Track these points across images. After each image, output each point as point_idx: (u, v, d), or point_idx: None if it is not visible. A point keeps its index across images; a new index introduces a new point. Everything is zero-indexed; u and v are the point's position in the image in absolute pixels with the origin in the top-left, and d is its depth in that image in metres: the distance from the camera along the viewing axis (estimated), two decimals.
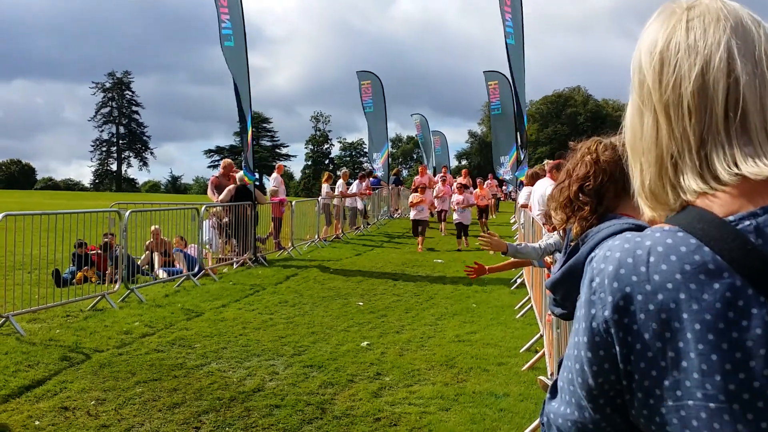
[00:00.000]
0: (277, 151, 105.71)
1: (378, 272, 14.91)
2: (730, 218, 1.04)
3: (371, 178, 27.68)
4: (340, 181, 24.16)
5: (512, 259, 6.61)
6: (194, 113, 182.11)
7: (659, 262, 1.04)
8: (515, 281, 12.86)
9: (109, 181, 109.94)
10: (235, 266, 15.08)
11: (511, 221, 26.93)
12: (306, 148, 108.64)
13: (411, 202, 20.65)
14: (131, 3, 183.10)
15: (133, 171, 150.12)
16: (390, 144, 35.74)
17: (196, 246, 13.78)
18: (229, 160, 16.87)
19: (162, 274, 13.24)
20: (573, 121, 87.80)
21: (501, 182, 37.27)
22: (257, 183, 17.34)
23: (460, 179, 26.17)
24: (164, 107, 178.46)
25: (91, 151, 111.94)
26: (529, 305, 10.12)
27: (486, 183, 29.62)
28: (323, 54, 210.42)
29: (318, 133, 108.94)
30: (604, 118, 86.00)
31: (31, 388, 6.49)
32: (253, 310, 10.42)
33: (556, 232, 4.98)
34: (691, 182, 1.10)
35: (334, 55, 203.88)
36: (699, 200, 1.09)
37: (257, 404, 6.17)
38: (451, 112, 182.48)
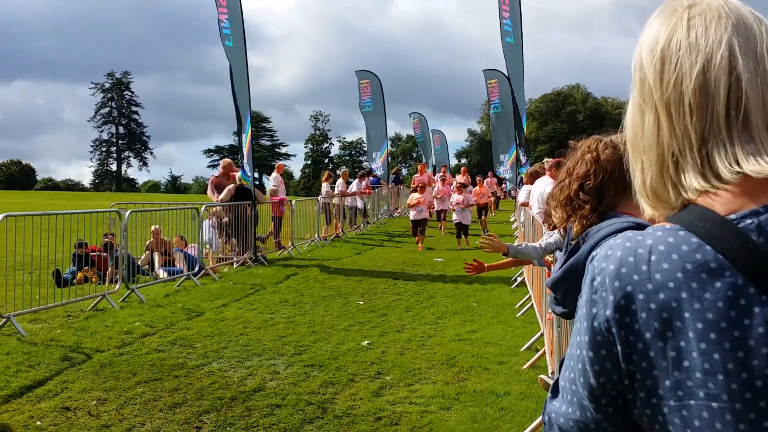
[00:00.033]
0: (277, 150, 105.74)
1: (378, 271, 14.90)
2: (732, 217, 1.04)
3: (371, 177, 27.67)
4: (340, 180, 24.16)
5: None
6: (194, 113, 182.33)
7: (661, 261, 1.03)
8: (515, 280, 12.85)
9: (108, 181, 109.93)
10: (235, 266, 15.08)
11: (511, 220, 26.93)
12: (305, 147, 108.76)
13: (409, 203, 20.63)
14: (131, 3, 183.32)
15: (133, 171, 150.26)
16: (389, 143, 35.71)
17: (196, 246, 13.78)
18: (228, 160, 16.86)
19: (162, 273, 13.24)
20: (572, 119, 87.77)
21: (501, 180, 37.29)
22: (257, 183, 17.35)
23: (460, 177, 26.16)
24: (164, 107, 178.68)
25: (90, 152, 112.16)
26: (530, 304, 10.12)
27: (486, 181, 29.58)
28: (322, 53, 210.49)
29: (317, 132, 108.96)
30: (604, 116, 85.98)
31: (32, 389, 6.50)
32: (253, 309, 10.42)
33: (556, 231, 4.98)
34: (692, 181, 1.09)
35: (333, 55, 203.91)
36: (700, 199, 1.09)
37: (258, 404, 6.17)
38: (451, 110, 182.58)
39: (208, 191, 16.36)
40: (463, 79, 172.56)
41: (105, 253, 12.95)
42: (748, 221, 1.02)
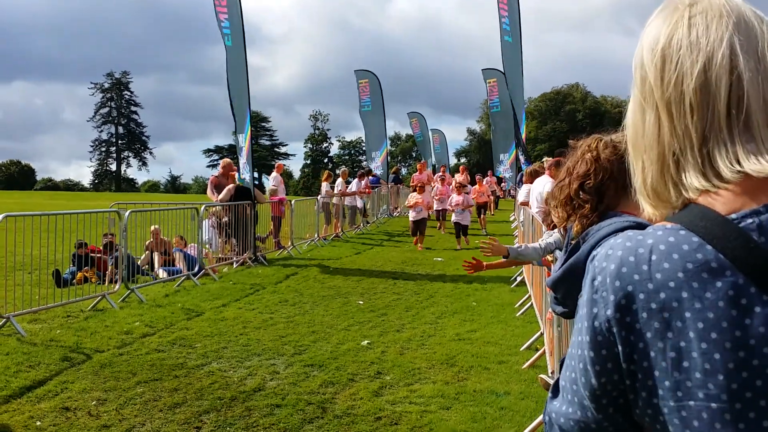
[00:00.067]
0: (276, 150, 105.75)
1: (378, 271, 14.91)
2: (733, 216, 1.04)
3: (370, 177, 27.66)
4: (339, 180, 24.16)
5: None
6: (193, 113, 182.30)
7: (661, 261, 1.03)
8: (515, 279, 12.86)
9: (108, 181, 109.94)
10: (235, 266, 15.08)
11: (511, 219, 26.92)
12: (305, 147, 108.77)
13: (408, 203, 20.61)
14: (131, 3, 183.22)
15: (133, 171, 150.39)
16: (389, 142, 35.75)
17: (195, 246, 13.78)
18: (228, 160, 16.85)
19: (162, 273, 13.24)
20: (572, 118, 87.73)
21: (500, 180, 37.29)
22: (256, 182, 17.34)
23: (459, 176, 26.12)
24: (163, 107, 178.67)
25: (90, 152, 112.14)
26: (530, 303, 10.12)
27: (485, 180, 29.56)
28: (321, 53, 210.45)
29: (317, 131, 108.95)
30: (603, 115, 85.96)
31: (32, 389, 6.49)
32: (253, 309, 10.42)
33: (556, 230, 4.98)
34: (693, 180, 1.09)
35: (332, 54, 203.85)
36: (701, 198, 1.08)
37: (258, 404, 6.17)
38: (450, 110, 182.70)
39: (208, 191, 16.36)
40: (463, 79, 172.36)
41: (105, 255, 12.95)
42: (749, 221, 1.02)
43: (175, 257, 13.76)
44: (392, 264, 16.09)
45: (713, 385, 0.98)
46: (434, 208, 23.36)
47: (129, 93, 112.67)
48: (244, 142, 16.45)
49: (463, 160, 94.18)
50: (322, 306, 10.79)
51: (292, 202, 19.38)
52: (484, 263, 6.48)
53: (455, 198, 19.88)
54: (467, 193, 21.05)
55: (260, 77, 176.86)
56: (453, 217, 20.06)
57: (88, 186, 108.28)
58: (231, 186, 15.53)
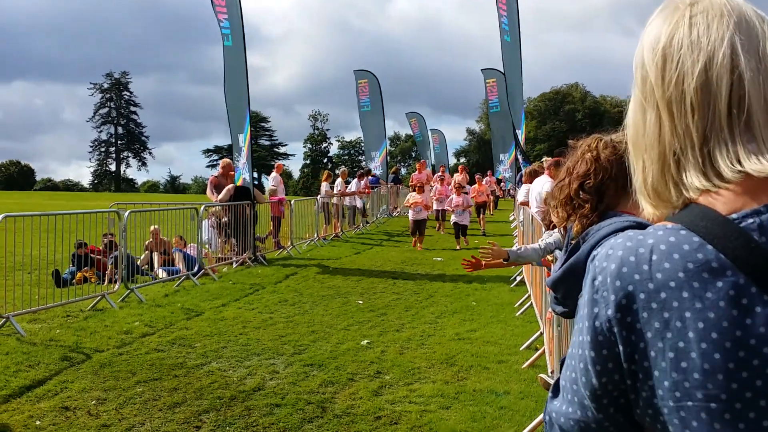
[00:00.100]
0: (276, 150, 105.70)
1: (377, 271, 14.91)
2: (734, 216, 1.03)
3: (370, 177, 27.66)
4: (339, 180, 24.16)
5: None
6: (193, 113, 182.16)
7: (662, 261, 1.03)
8: (515, 279, 12.85)
9: (108, 181, 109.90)
10: (234, 265, 15.08)
11: (510, 219, 26.91)
12: (304, 147, 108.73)
13: (407, 202, 20.59)
14: (131, 3, 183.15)
15: (132, 171, 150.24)
16: (388, 142, 35.78)
17: (195, 245, 13.77)
18: (228, 160, 16.84)
19: (162, 273, 13.23)
20: (571, 118, 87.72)
21: (500, 180, 37.27)
22: (256, 182, 17.33)
23: (458, 176, 26.11)
24: (163, 107, 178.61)
25: (89, 152, 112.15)
26: (529, 303, 10.12)
27: (485, 180, 29.54)
28: (321, 53, 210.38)
29: (316, 131, 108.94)
30: (602, 115, 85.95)
31: (31, 388, 6.49)
32: (252, 309, 10.42)
33: (556, 230, 4.98)
34: (693, 179, 1.09)
35: (331, 54, 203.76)
36: (702, 198, 1.08)
37: (258, 403, 6.17)
38: (449, 110, 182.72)
39: (208, 191, 16.35)
40: (462, 79, 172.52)
41: (105, 255, 12.96)
42: (750, 220, 1.02)
43: (174, 257, 13.76)
44: (392, 264, 16.09)
45: (713, 385, 0.97)
46: (433, 208, 23.33)
47: (128, 93, 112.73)
48: (244, 142, 16.44)
49: (462, 160, 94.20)
50: (322, 306, 10.80)
51: (292, 202, 19.38)
52: (483, 262, 6.48)
53: (455, 199, 19.85)
54: (466, 193, 21.02)
55: (260, 77, 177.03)
56: (452, 218, 20.04)
57: (87, 186, 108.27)
58: (230, 186, 15.53)
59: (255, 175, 17.75)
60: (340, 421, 5.81)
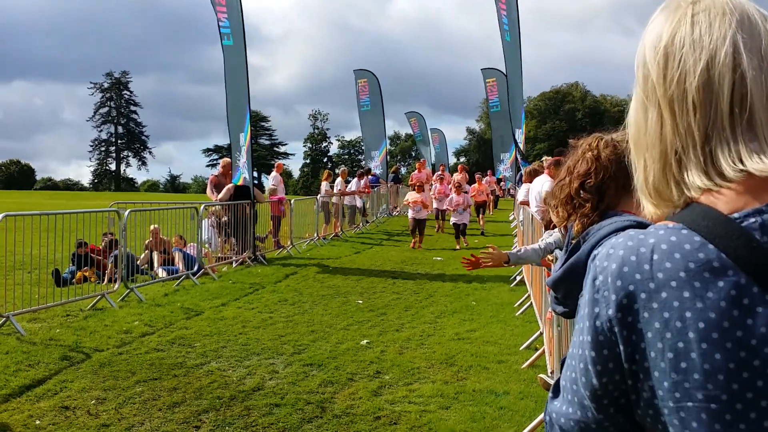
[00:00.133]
0: (276, 149, 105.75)
1: (377, 270, 14.91)
2: (735, 215, 1.03)
3: (370, 176, 27.66)
4: (339, 179, 24.17)
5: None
6: (193, 113, 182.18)
7: (663, 260, 1.02)
8: (514, 279, 12.85)
9: (108, 180, 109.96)
10: (234, 265, 15.08)
11: (510, 218, 26.92)
12: (304, 146, 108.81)
13: (406, 201, 20.57)
14: (130, 3, 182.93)
15: (132, 170, 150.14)
16: (388, 141, 35.80)
17: (195, 245, 13.77)
18: (228, 159, 16.84)
19: (161, 273, 13.23)
20: (571, 117, 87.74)
21: (500, 179, 37.27)
22: (256, 182, 17.33)
23: (457, 175, 26.12)
24: (163, 107, 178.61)
25: (89, 151, 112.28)
26: (529, 303, 10.12)
27: (485, 179, 29.54)
28: (321, 52, 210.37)
29: (316, 131, 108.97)
30: (602, 114, 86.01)
31: (31, 388, 6.49)
32: (252, 308, 10.42)
33: (556, 230, 4.97)
34: (695, 179, 1.09)
35: (331, 54, 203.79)
36: (703, 197, 1.08)
37: (257, 403, 6.17)
38: (449, 109, 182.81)
39: (208, 190, 16.36)
40: (462, 78, 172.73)
41: (104, 254, 12.96)
42: (752, 220, 1.01)
43: (174, 257, 13.75)
44: (391, 263, 16.10)
45: (713, 386, 0.97)
46: (433, 207, 23.32)
47: (128, 93, 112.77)
48: (244, 141, 16.43)
49: (462, 159, 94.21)
50: (322, 305, 10.79)
51: (292, 201, 19.37)
52: (482, 265, 6.47)
53: (455, 198, 19.85)
54: (465, 193, 21.03)
55: (259, 77, 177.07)
56: (452, 219, 20.03)
57: (87, 186, 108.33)
58: (230, 185, 15.54)
59: (255, 174, 17.73)
60: (340, 421, 5.80)
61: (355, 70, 34.13)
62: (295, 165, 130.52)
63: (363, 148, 41.35)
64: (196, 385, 6.63)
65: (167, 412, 5.91)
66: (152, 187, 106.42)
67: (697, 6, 1.12)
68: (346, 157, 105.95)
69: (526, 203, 12.38)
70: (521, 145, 22.77)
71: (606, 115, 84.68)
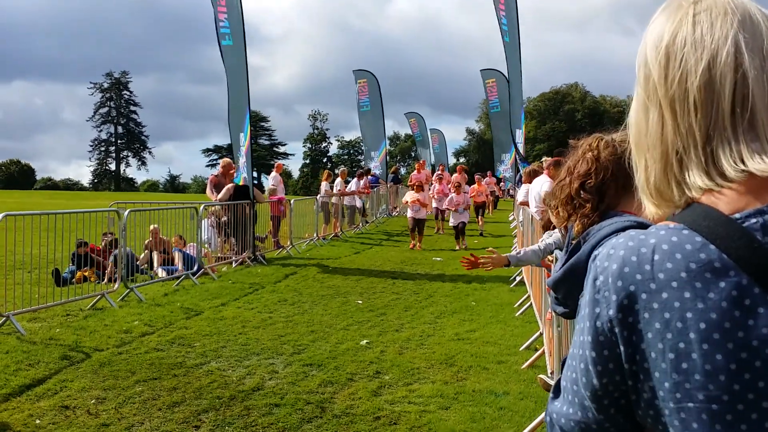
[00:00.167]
0: (276, 149, 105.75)
1: (377, 270, 14.91)
2: (737, 216, 1.03)
3: (369, 176, 27.66)
4: (339, 180, 24.16)
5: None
6: (192, 113, 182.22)
7: (664, 260, 1.02)
8: (514, 279, 12.85)
9: (107, 180, 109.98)
10: (234, 265, 15.08)
11: (510, 219, 26.92)
12: (304, 146, 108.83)
13: (405, 200, 20.55)
14: (130, 3, 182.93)
15: (132, 170, 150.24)
16: (388, 142, 35.81)
17: (195, 245, 13.77)
18: (228, 159, 16.84)
19: (161, 273, 13.23)
20: (571, 117, 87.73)
21: (499, 180, 37.30)
22: (255, 182, 17.33)
23: (456, 176, 26.13)
24: (163, 107, 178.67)
25: (89, 151, 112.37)
26: (529, 303, 10.12)
27: (484, 180, 29.53)
28: (320, 53, 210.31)
29: (316, 131, 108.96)
30: (602, 115, 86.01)
31: (31, 387, 6.49)
32: (252, 308, 10.41)
33: (556, 230, 4.97)
34: (696, 179, 1.08)
35: (331, 54, 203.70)
36: (704, 197, 1.08)
37: (257, 403, 6.17)
38: (449, 109, 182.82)
39: (207, 190, 16.35)
40: (462, 79, 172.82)
41: (104, 254, 12.97)
42: (753, 220, 1.01)
43: (174, 257, 13.75)
44: (391, 263, 16.09)
45: (714, 387, 0.97)
46: (432, 206, 23.30)
47: (128, 93, 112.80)
48: (244, 141, 16.44)
49: (462, 159, 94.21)
50: (321, 305, 10.79)
51: (291, 201, 19.36)
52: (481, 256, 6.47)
53: (455, 198, 19.84)
54: (465, 192, 21.03)
55: (259, 77, 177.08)
56: (451, 221, 20.02)
57: (87, 185, 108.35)
58: (230, 185, 15.52)
59: (255, 174, 17.74)
60: (339, 421, 5.80)
61: (355, 70, 34.14)
62: (294, 165, 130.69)
63: (362, 148, 41.36)
64: (195, 385, 6.63)
65: (167, 412, 5.91)
66: (152, 187, 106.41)
67: (699, 6, 1.11)
68: (346, 157, 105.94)
69: (525, 204, 12.38)
70: (521, 146, 22.77)
71: (606, 115, 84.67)
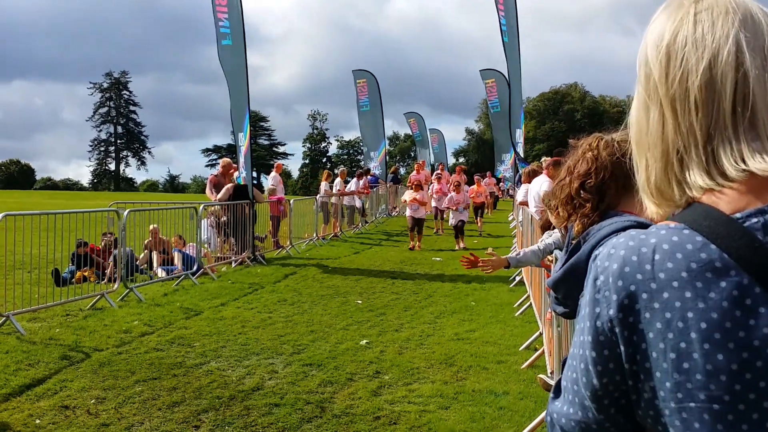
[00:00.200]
0: (275, 149, 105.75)
1: (376, 270, 14.90)
2: (737, 215, 1.02)
3: (369, 176, 27.65)
4: (338, 180, 24.16)
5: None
6: (192, 112, 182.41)
7: (665, 260, 1.02)
8: (514, 279, 12.85)
9: (107, 180, 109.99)
10: (233, 265, 15.08)
11: (509, 219, 26.92)
12: (303, 146, 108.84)
13: (404, 199, 20.55)
14: (130, 3, 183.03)
15: (132, 170, 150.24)
16: (387, 142, 35.81)
17: (194, 245, 13.77)
18: (228, 159, 16.86)
19: (161, 273, 13.23)
20: (570, 117, 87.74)
21: (499, 180, 37.31)
22: (255, 182, 17.32)
23: (454, 176, 26.14)
24: (162, 106, 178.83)
25: (89, 151, 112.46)
26: (528, 303, 10.12)
27: (484, 181, 29.52)
28: (320, 52, 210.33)
29: (315, 131, 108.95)
30: (602, 115, 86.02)
31: (31, 387, 6.49)
32: (251, 308, 10.41)
33: (556, 230, 4.97)
34: (697, 178, 1.08)
35: (330, 54, 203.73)
36: (705, 197, 1.07)
37: (256, 403, 6.17)
38: (449, 109, 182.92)
39: (207, 190, 16.35)
40: (461, 79, 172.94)
41: (104, 254, 12.97)
42: (754, 220, 1.01)
43: (174, 257, 13.75)
44: (391, 263, 16.09)
45: (716, 387, 0.97)
46: (432, 206, 23.30)
47: (128, 93, 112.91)
48: (244, 140, 16.45)
49: (461, 159, 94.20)
50: (321, 305, 10.79)
51: (291, 201, 19.36)
52: (481, 259, 6.48)
53: (455, 196, 19.84)
54: (465, 191, 21.04)
55: (258, 77, 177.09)
56: (450, 220, 20.02)
57: (87, 185, 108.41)
58: (230, 185, 15.53)
59: (254, 174, 17.74)
60: (339, 421, 5.80)
61: (354, 70, 34.12)
62: (294, 165, 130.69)
63: (362, 148, 41.41)
64: (195, 385, 6.63)
65: (167, 412, 5.91)
66: (151, 187, 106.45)
67: (700, 5, 1.11)
68: (345, 157, 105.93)
69: (525, 204, 12.38)
70: (520, 146, 22.76)
71: (605, 115, 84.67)
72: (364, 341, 8.43)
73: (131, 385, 6.61)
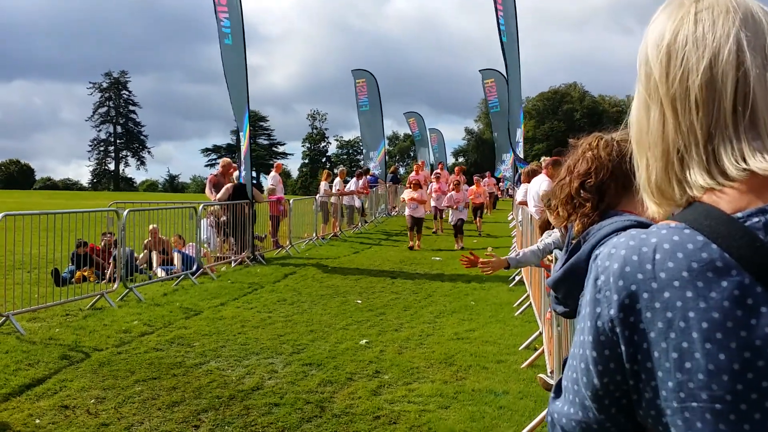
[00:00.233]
0: (275, 149, 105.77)
1: (376, 270, 14.90)
2: (738, 215, 1.02)
3: (368, 176, 27.65)
4: (337, 179, 24.17)
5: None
6: (191, 112, 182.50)
7: (666, 260, 1.02)
8: (513, 278, 12.85)
9: (107, 180, 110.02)
10: (233, 265, 15.07)
11: (509, 219, 26.92)
12: (303, 146, 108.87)
13: (403, 199, 20.55)
14: (130, 3, 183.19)
15: (131, 170, 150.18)
16: (387, 141, 35.81)
17: (194, 245, 13.76)
18: (227, 159, 16.87)
19: (160, 272, 13.23)
20: (569, 117, 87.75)
21: (499, 180, 37.31)
22: (254, 182, 17.32)
23: (454, 176, 26.15)
24: (162, 106, 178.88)
25: (89, 151, 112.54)
26: (528, 302, 10.12)
27: (483, 181, 29.52)
28: (319, 52, 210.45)
29: (315, 131, 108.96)
30: (601, 115, 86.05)
31: (31, 387, 6.49)
32: (251, 308, 10.41)
33: (556, 230, 4.97)
34: (697, 177, 1.08)
35: (330, 54, 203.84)
36: (706, 196, 1.07)
37: (256, 402, 6.17)
38: (448, 109, 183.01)
39: (207, 190, 16.36)
40: (461, 78, 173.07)
41: (104, 254, 12.97)
42: (755, 219, 1.01)
43: (173, 257, 13.75)
44: (390, 263, 16.09)
45: (718, 386, 0.96)
46: (431, 205, 23.29)
47: (127, 92, 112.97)
48: (243, 140, 16.46)
49: (461, 159, 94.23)
50: (321, 305, 10.79)
51: (291, 201, 19.36)
52: (481, 259, 6.48)
53: (455, 195, 19.85)
54: (464, 190, 21.06)
55: (258, 76, 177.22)
56: (450, 219, 20.02)
57: (86, 185, 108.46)
58: (229, 185, 15.53)
59: (254, 174, 17.75)
60: (339, 420, 5.80)
61: (354, 70, 34.12)
62: (293, 165, 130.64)
63: (361, 148, 41.41)
64: (195, 385, 6.63)
65: (166, 412, 5.91)
66: (151, 186, 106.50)
67: (701, 4, 1.11)
68: (345, 157, 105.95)
69: (524, 203, 12.38)
70: (520, 146, 22.75)
71: (604, 115, 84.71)
72: (364, 341, 8.43)
73: (131, 384, 6.61)
